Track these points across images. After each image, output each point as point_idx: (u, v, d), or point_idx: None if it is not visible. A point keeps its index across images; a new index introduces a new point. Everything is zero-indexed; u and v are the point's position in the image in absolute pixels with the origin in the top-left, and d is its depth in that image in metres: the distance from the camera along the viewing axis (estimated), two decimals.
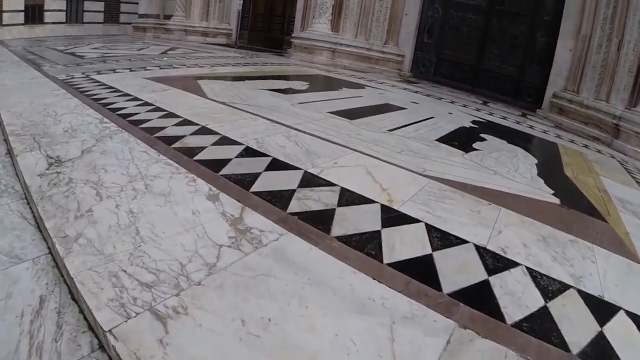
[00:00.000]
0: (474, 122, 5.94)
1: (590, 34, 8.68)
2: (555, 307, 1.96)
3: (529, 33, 9.56)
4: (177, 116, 4.08)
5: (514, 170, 3.85)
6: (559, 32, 9.18)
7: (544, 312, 1.91)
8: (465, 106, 7.33)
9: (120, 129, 3.60)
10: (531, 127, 6.98)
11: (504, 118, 7.10)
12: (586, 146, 6.38)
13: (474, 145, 4.49)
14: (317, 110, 4.83)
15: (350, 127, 4.38)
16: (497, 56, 9.94)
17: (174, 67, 6.53)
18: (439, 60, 10.45)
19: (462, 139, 4.68)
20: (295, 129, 4.08)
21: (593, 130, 8.19)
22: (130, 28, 13.21)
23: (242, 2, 11.90)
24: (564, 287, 2.13)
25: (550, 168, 4.43)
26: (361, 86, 6.89)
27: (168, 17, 11.87)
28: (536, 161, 4.42)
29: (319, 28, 9.36)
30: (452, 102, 7.37)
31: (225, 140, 3.57)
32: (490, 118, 6.70)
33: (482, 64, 10.08)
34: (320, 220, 2.45)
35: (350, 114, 4.86)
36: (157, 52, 8.31)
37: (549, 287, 2.11)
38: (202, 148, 3.33)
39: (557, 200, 3.34)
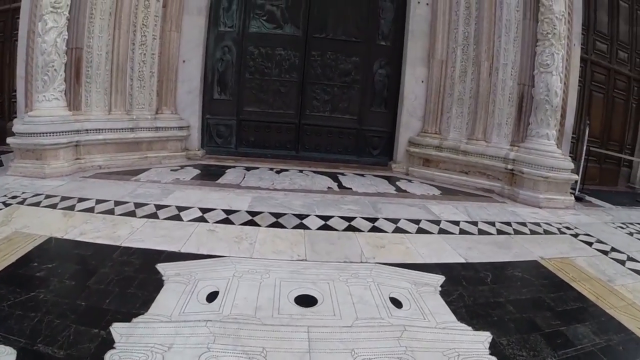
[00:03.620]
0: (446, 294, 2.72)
1: (447, 58, 6.40)
2: None
3: (363, 65, 6.93)
4: None
5: None
6: (403, 60, 6.70)
7: None
8: (354, 223, 4.08)
9: None
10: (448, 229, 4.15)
11: (419, 228, 4.11)
12: (518, 231, 4.50)
13: None
14: None
15: None
16: (324, 103, 7.06)
17: None
18: (241, 123, 7.02)
19: None
20: None
21: (479, 180, 6.27)
22: None
23: None
24: None
25: None
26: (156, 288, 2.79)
27: None
28: None
29: (47, 108, 4.89)
30: (329, 231, 3.93)
31: None
32: (407, 243, 3.61)
33: (306, 118, 7.07)
34: None
35: None
36: None
37: None
38: None
39: None
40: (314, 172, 6.36)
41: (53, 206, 4.06)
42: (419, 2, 6.52)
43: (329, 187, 5.51)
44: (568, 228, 4.72)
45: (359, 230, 3.92)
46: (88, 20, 5.57)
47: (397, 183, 6.10)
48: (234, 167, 6.32)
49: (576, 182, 6.15)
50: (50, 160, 5.10)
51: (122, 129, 5.86)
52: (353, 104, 7.07)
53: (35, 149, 5.05)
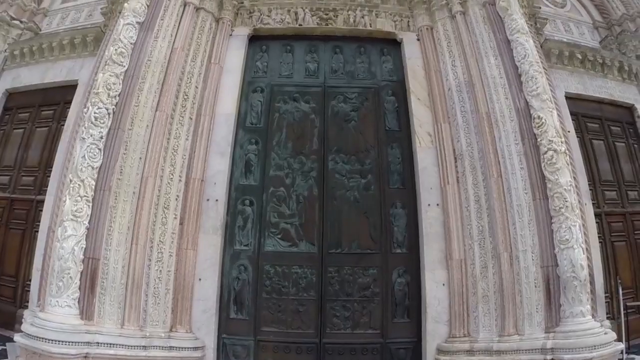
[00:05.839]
0: None
1: (465, 256, 6.48)
2: None
3: (382, 277, 6.86)
4: None
5: None
6: (421, 265, 6.72)
7: None
8: None
9: None
10: None
11: None
12: None
13: None
14: None
15: None
16: (345, 320, 6.69)
17: None
18: (259, 343, 6.48)
19: None
20: None
21: None
22: None
23: None
24: None
25: None
26: None
27: None
28: None
29: (59, 314, 4.62)
30: None
31: None
32: None
33: (327, 336, 6.59)
34: None
35: None
36: None
37: None
38: None
39: None
40: None
41: None
42: (429, 205, 6.82)
43: None
44: None
45: None
46: (107, 232, 5.69)
47: None
48: None
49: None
50: None
51: (134, 346, 5.40)
52: (375, 318, 6.70)
53: (43, 354, 4.46)
